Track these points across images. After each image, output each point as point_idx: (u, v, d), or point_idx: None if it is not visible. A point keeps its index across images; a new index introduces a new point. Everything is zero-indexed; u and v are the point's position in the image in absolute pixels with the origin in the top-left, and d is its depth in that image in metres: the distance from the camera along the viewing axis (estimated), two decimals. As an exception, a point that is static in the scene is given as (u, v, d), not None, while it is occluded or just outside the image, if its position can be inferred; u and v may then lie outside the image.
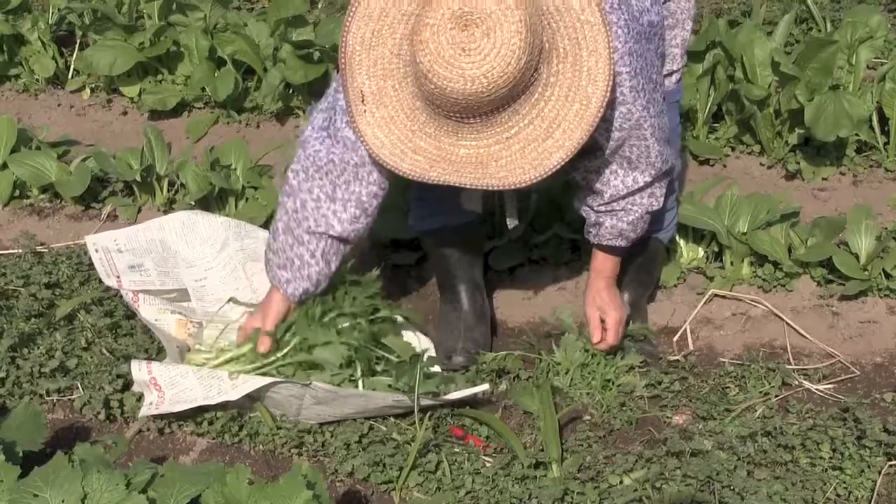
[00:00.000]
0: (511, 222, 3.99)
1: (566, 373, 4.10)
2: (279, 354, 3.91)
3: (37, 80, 6.70)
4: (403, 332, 4.23)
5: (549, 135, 3.34)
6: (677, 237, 4.66)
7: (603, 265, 4.07)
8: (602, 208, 3.87)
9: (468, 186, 3.41)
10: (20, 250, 4.98)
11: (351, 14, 3.44)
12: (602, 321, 4.08)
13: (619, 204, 3.84)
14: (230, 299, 4.24)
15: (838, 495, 3.55)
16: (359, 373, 3.92)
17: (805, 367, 4.20)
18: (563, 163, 3.34)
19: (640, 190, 3.82)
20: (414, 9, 3.40)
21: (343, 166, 3.71)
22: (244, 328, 3.99)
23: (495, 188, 3.40)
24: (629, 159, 3.71)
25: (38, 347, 4.28)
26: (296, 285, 3.89)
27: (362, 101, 3.45)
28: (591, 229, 3.97)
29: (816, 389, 4.07)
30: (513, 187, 3.39)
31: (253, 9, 7.30)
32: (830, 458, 3.67)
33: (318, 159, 3.74)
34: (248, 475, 2.90)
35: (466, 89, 3.20)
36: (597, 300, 4.08)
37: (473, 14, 3.18)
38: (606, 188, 3.79)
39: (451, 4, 3.20)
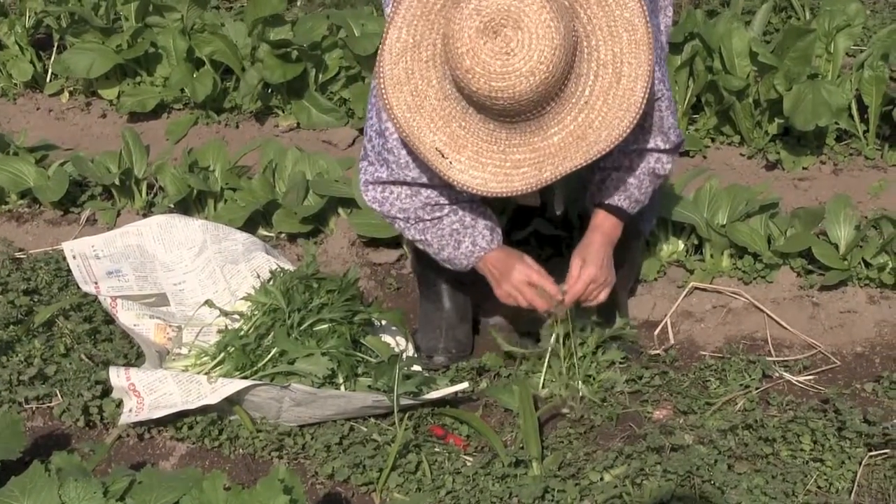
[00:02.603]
0: (558, 209, 4.01)
1: (549, 369, 4.08)
2: (259, 364, 3.90)
3: (15, 84, 6.71)
4: (382, 333, 4.23)
5: (618, 77, 3.34)
6: (657, 230, 4.64)
7: (602, 221, 3.96)
8: (608, 164, 3.85)
9: (582, 165, 3.37)
10: (-2, 256, 4.98)
11: (382, 88, 3.45)
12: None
13: (626, 160, 3.82)
14: (206, 302, 4.23)
15: (819, 487, 3.54)
16: (341, 379, 3.92)
17: (786, 358, 4.20)
18: (647, 88, 3.33)
19: (648, 151, 3.83)
20: (431, 53, 3.42)
21: (426, 195, 3.81)
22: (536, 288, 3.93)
23: (606, 151, 3.36)
24: (642, 127, 3.71)
25: (17, 355, 4.28)
26: (478, 236, 3.92)
27: (442, 155, 3.45)
28: (595, 188, 3.92)
29: (797, 381, 4.06)
30: (622, 138, 3.34)
31: (231, 8, 7.29)
32: (811, 449, 3.66)
33: (408, 212, 3.87)
34: (224, 481, 2.89)
35: (533, 83, 3.21)
36: (584, 252, 3.94)
37: (494, 17, 3.19)
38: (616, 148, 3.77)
39: (469, 23, 3.21)
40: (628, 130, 3.34)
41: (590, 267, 3.90)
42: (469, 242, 3.90)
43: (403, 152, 3.71)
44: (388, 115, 3.51)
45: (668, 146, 3.83)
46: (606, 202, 3.92)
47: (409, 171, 3.75)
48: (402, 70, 3.44)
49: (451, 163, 3.45)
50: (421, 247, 4.00)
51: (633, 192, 3.89)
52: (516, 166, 3.42)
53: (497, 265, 3.93)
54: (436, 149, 3.44)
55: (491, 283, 3.99)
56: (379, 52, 3.48)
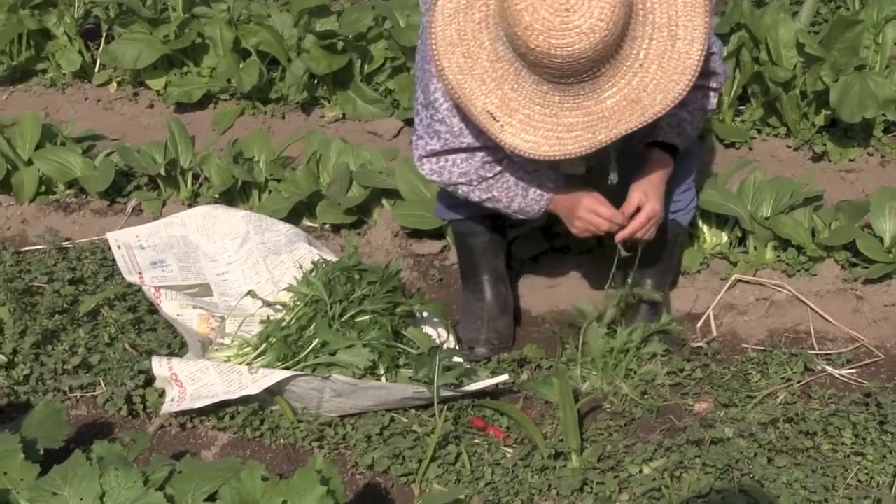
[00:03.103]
0: (614, 177, 3.94)
1: (591, 362, 4.08)
2: (301, 355, 3.92)
3: (64, 74, 6.73)
4: (424, 324, 4.24)
5: (673, 40, 3.35)
6: (700, 223, 4.62)
7: (658, 158, 3.95)
8: None
9: (636, 128, 3.38)
10: (45, 246, 5.01)
11: (434, 49, 3.45)
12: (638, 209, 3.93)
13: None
14: (248, 292, 4.25)
15: (859, 481, 3.52)
16: (382, 370, 3.94)
17: (829, 351, 4.17)
18: (703, 51, 3.35)
19: (702, 89, 3.85)
20: (484, 14, 3.42)
21: (481, 156, 3.82)
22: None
23: (660, 114, 3.37)
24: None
25: (62, 344, 4.32)
26: (543, 177, 3.90)
27: (494, 118, 3.45)
28: (649, 127, 3.77)
29: (839, 374, 4.04)
30: (677, 101, 3.36)
31: (278, -2, 7.31)
32: (852, 443, 3.65)
33: (469, 175, 3.87)
34: (261, 472, 2.90)
35: (593, 41, 3.20)
36: (645, 185, 3.91)
37: None
38: None
39: None
40: (683, 94, 3.36)
41: (652, 202, 3.89)
42: (536, 186, 3.89)
43: (455, 120, 3.72)
44: (439, 78, 3.52)
45: (716, 85, 3.90)
46: (661, 139, 3.93)
47: (462, 139, 3.76)
48: (454, 31, 3.44)
49: (502, 126, 3.44)
50: (490, 205, 3.98)
51: (686, 128, 3.91)
52: (569, 129, 3.41)
53: (567, 203, 3.92)
54: (487, 111, 3.44)
55: (566, 221, 3.98)
56: (430, 13, 3.48)
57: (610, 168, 3.93)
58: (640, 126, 3.38)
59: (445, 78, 3.45)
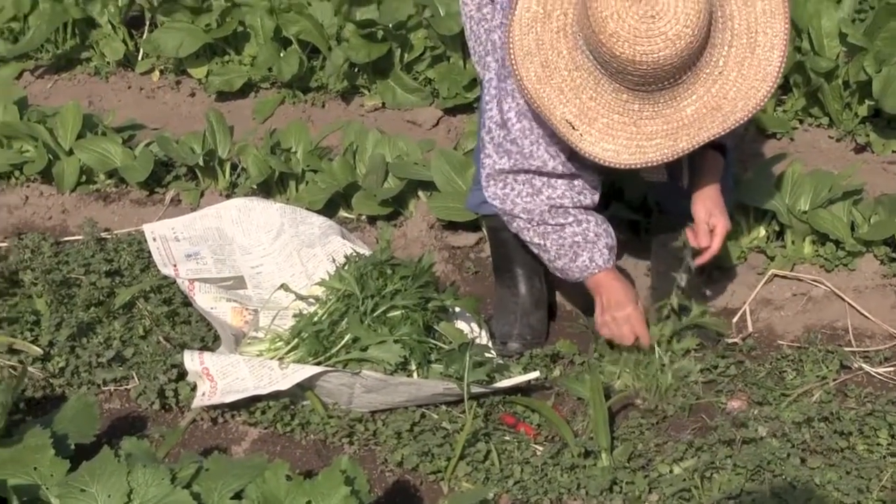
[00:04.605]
0: (685, 182, 3.95)
1: (623, 357, 4.05)
2: (333, 351, 3.92)
3: (107, 63, 6.75)
4: (458, 319, 4.22)
5: (753, 47, 3.38)
6: (737, 216, 4.57)
7: (713, 162, 3.94)
8: None
9: (716, 136, 3.43)
10: (84, 237, 5.02)
11: (512, 58, 3.48)
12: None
13: None
14: (281, 286, 4.24)
15: (895, 483, 3.47)
16: (413, 366, 3.92)
17: (867, 348, 4.12)
18: (783, 57, 3.38)
19: None
20: (562, 23, 3.46)
21: (547, 195, 3.84)
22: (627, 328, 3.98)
23: (742, 121, 3.41)
24: None
25: (97, 336, 4.33)
26: (597, 252, 3.91)
27: (573, 127, 3.48)
28: None
29: (876, 373, 3.99)
30: (758, 108, 3.40)
31: (319, -14, 7.29)
32: (888, 444, 3.60)
33: (532, 214, 3.87)
34: (286, 471, 2.91)
35: (679, 47, 3.23)
36: (707, 203, 3.91)
37: None
38: None
39: None
40: (765, 100, 3.41)
41: (717, 217, 3.89)
42: (587, 257, 3.90)
43: (527, 142, 3.74)
44: (517, 87, 3.55)
45: None
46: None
47: (532, 161, 3.76)
48: (531, 40, 3.47)
49: (581, 135, 3.48)
50: (535, 250, 4.01)
51: (738, 128, 3.84)
52: (649, 138, 3.44)
53: (610, 296, 3.95)
54: (566, 120, 3.48)
55: (595, 305, 4.01)
56: (508, 23, 3.51)
57: (682, 173, 3.93)
58: (721, 133, 3.41)
59: (524, 87, 3.48)
